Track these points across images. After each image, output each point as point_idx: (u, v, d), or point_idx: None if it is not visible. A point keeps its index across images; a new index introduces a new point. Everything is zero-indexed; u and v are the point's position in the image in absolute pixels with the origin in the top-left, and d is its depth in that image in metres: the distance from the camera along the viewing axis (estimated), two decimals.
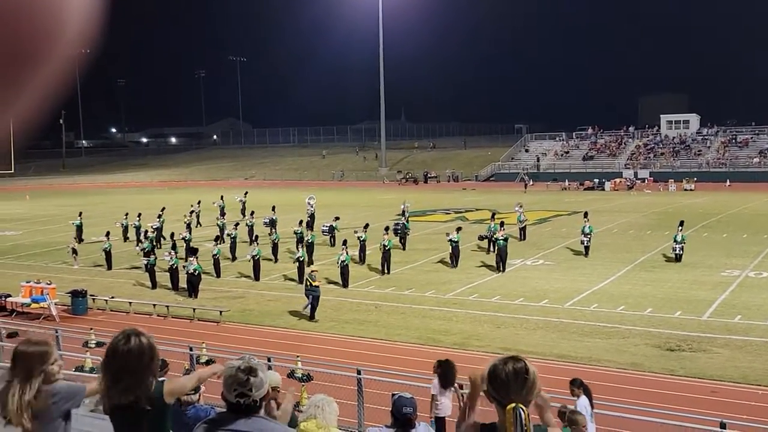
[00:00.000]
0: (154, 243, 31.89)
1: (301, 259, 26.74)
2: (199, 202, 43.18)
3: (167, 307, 22.94)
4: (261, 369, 3.60)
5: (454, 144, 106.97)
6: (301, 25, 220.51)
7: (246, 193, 47.77)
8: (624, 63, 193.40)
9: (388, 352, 18.25)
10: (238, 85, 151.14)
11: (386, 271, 27.47)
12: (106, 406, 4.13)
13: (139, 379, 3.96)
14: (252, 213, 36.71)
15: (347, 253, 26.07)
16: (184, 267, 25.69)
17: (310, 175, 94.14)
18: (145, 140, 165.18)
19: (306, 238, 29.62)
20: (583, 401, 10.41)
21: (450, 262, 28.67)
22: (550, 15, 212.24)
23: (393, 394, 6.80)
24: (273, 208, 37.85)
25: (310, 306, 21.72)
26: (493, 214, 32.96)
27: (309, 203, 40.49)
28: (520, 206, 35.97)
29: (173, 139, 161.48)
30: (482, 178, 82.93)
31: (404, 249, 31.86)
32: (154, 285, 26.64)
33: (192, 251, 26.94)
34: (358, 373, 13.06)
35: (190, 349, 15.77)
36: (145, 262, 27.45)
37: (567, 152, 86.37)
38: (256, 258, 27.06)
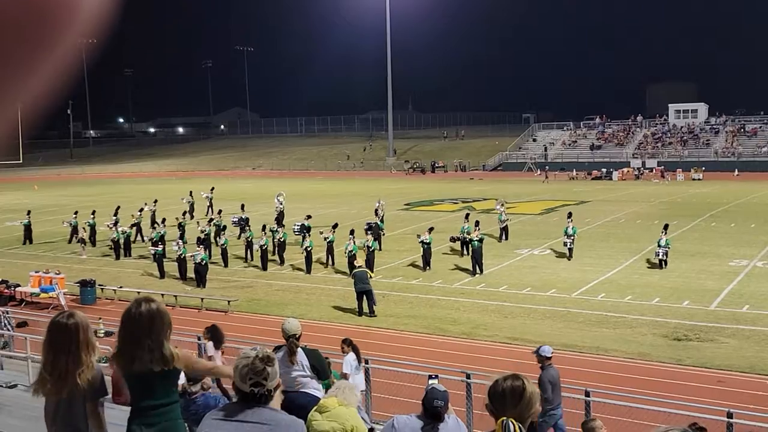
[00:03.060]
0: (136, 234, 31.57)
1: (309, 249, 26.73)
2: (191, 193, 42.48)
3: (175, 296, 23.03)
4: (276, 359, 3.64)
5: (467, 133, 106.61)
6: (308, 14, 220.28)
7: (212, 188, 45.03)
8: (631, 52, 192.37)
9: (396, 342, 18.31)
10: (245, 75, 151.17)
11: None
12: (121, 371, 4.35)
13: (152, 342, 4.18)
14: (219, 212, 34.09)
15: (354, 243, 26.11)
16: (191, 256, 25.79)
17: (317, 164, 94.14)
18: (152, 130, 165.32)
19: (278, 237, 28.27)
20: (350, 357, 12.16)
21: (422, 264, 26.53)
22: (557, 4, 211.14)
23: (428, 383, 6.86)
24: (242, 207, 35.97)
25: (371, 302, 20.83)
26: (467, 214, 30.37)
27: (278, 200, 38.31)
28: (502, 204, 33.89)
29: (180, 129, 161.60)
30: (489, 168, 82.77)
31: (380, 249, 29.36)
32: (162, 275, 26.75)
33: (200, 241, 27.05)
34: (366, 362, 13.10)
35: (198, 339, 15.83)
36: (153, 251, 27.56)
37: (575, 141, 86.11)
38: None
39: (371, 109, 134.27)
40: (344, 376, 11.29)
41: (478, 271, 25.44)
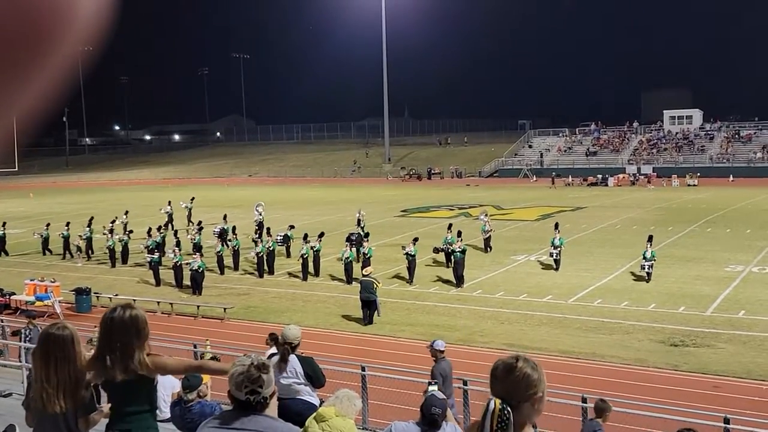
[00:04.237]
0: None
1: (305, 256, 26.67)
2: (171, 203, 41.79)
3: (171, 304, 23.00)
4: (271, 367, 3.63)
5: (457, 140, 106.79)
6: (304, 22, 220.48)
7: (192, 198, 43.68)
8: (627, 58, 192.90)
9: (393, 348, 18.29)
10: (241, 82, 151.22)
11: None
12: (99, 379, 4.36)
13: (122, 350, 4.23)
14: (199, 223, 33.14)
15: (351, 250, 26.10)
16: (187, 264, 25.76)
17: (313, 171, 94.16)
18: (148, 137, 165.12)
19: (257, 250, 27.76)
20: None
21: (407, 276, 25.78)
22: (551, 10, 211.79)
23: (427, 389, 6.86)
24: (225, 217, 35.17)
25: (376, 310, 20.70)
26: (450, 225, 29.17)
27: (257, 211, 37.17)
28: (486, 215, 32.43)
29: (177, 137, 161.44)
30: (485, 174, 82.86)
31: (362, 257, 27.79)
32: (158, 282, 26.70)
33: (196, 248, 27.04)
34: (363, 369, 13.08)
35: (194, 347, 15.80)
36: (149, 259, 27.52)
37: (570, 148, 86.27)
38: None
39: (367, 116, 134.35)
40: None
41: (458, 283, 24.61)
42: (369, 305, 20.50)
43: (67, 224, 33.91)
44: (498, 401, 2.71)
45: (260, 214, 36.81)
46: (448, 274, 26.00)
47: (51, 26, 0.72)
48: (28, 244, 34.64)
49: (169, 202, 40.98)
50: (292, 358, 7.28)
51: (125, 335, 4.21)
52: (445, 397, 6.45)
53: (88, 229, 33.36)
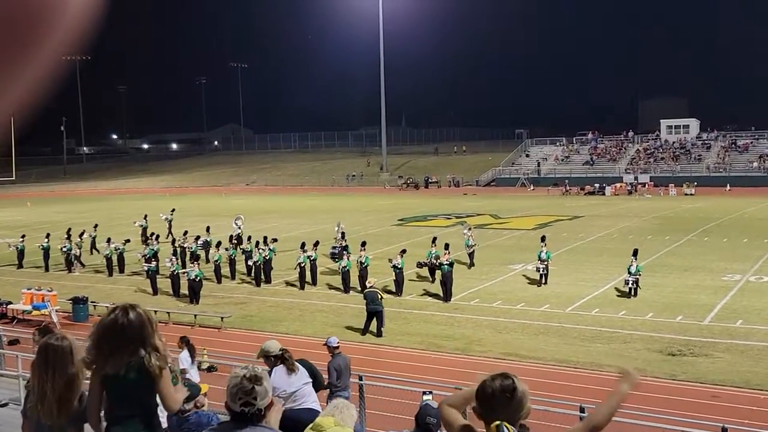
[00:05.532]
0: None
1: (303, 265, 26.66)
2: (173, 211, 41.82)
3: (168, 313, 22.95)
4: (265, 378, 3.63)
5: (454, 149, 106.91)
6: (302, 31, 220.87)
7: (173, 210, 42.64)
8: (624, 67, 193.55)
9: (390, 358, 18.26)
10: (239, 91, 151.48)
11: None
12: (97, 376, 4.22)
13: (137, 349, 4.12)
14: (185, 233, 32.84)
15: (348, 259, 26.08)
16: (185, 273, 25.74)
17: (311, 180, 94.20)
18: (146, 146, 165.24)
19: (254, 259, 27.69)
20: (184, 354, 13.23)
21: (394, 290, 25.02)
22: (549, 19, 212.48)
23: (422, 399, 6.86)
24: (207, 229, 34.38)
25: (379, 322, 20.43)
26: (434, 238, 27.73)
27: (236, 224, 36.28)
28: (469, 228, 30.97)
29: (174, 145, 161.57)
30: (483, 183, 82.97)
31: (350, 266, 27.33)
32: (155, 291, 26.66)
33: (194, 257, 27.01)
34: (360, 379, 13.07)
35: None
36: (146, 268, 27.47)
37: (567, 157, 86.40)
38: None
39: (364, 125, 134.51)
40: (183, 372, 11.70)
41: (446, 298, 23.94)
42: (376, 317, 20.29)
43: (47, 235, 33.08)
44: (510, 426, 2.69)
45: (239, 228, 35.82)
46: (435, 288, 25.29)
47: (36, 24, 0.72)
48: (26, 253, 33.98)
49: (145, 216, 39.70)
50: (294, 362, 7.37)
51: (140, 335, 4.12)
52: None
53: (80, 239, 32.98)
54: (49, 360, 4.36)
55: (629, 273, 23.56)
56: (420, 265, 26.82)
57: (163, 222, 39.85)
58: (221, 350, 18.17)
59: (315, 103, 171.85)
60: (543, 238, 27.34)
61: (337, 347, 13.06)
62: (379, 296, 20.46)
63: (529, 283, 26.38)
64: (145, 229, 37.69)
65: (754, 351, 17.78)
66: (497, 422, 2.69)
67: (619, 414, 10.84)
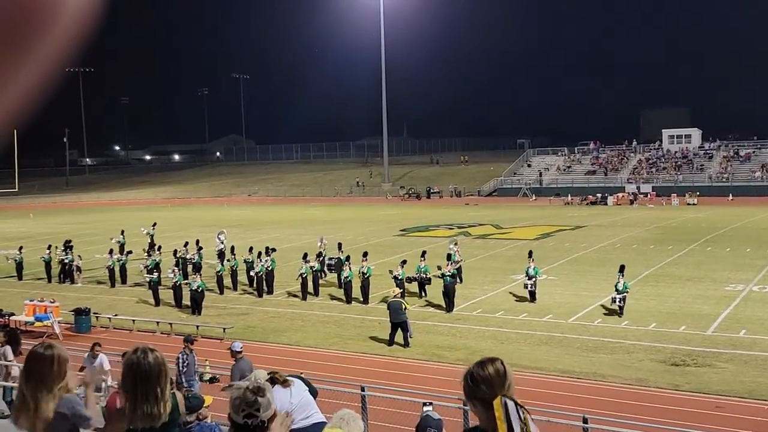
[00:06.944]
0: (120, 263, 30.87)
1: (305, 275, 26.65)
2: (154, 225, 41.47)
3: (170, 324, 22.93)
4: (268, 389, 3.61)
5: (456, 159, 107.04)
6: (303, 42, 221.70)
7: (154, 224, 42.03)
8: (625, 77, 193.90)
9: (392, 368, 18.22)
10: (241, 102, 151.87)
11: (367, 301, 25.48)
12: (127, 427, 4.19)
13: (163, 392, 4.12)
14: (186, 244, 32.72)
15: (350, 269, 26.06)
16: (187, 284, 25.73)
17: (313, 191, 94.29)
18: (148, 157, 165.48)
19: (256, 270, 27.72)
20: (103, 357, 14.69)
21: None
22: (551, 30, 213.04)
23: (422, 410, 6.84)
24: (197, 242, 33.18)
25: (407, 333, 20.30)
26: (423, 252, 27.29)
27: (219, 239, 35.07)
28: (455, 244, 29.55)
29: (176, 156, 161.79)
30: (485, 194, 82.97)
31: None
32: (158, 302, 26.65)
33: (196, 268, 27.02)
34: (362, 389, 13.04)
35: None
36: (149, 279, 27.47)
37: (569, 167, 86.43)
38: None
39: (366, 136, 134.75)
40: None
41: (448, 307, 23.86)
42: (401, 327, 20.13)
43: (49, 247, 32.99)
44: (513, 398, 2.82)
45: (222, 243, 34.54)
46: (437, 298, 24.96)
47: (34, 35, 0.72)
48: (28, 265, 33.96)
49: (122, 232, 38.96)
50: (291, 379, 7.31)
51: (160, 377, 4.10)
52: (440, 416, 6.44)
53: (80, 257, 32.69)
54: (31, 368, 4.34)
55: (616, 290, 22.56)
56: (409, 280, 26.15)
57: (144, 236, 39.25)
58: (224, 361, 18.12)
59: (317, 114, 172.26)
60: (530, 254, 25.92)
61: (240, 352, 13.80)
62: (404, 306, 20.31)
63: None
64: (122, 245, 36.28)
65: (758, 361, 17.72)
66: (499, 396, 2.81)
67: (623, 425, 10.81)
